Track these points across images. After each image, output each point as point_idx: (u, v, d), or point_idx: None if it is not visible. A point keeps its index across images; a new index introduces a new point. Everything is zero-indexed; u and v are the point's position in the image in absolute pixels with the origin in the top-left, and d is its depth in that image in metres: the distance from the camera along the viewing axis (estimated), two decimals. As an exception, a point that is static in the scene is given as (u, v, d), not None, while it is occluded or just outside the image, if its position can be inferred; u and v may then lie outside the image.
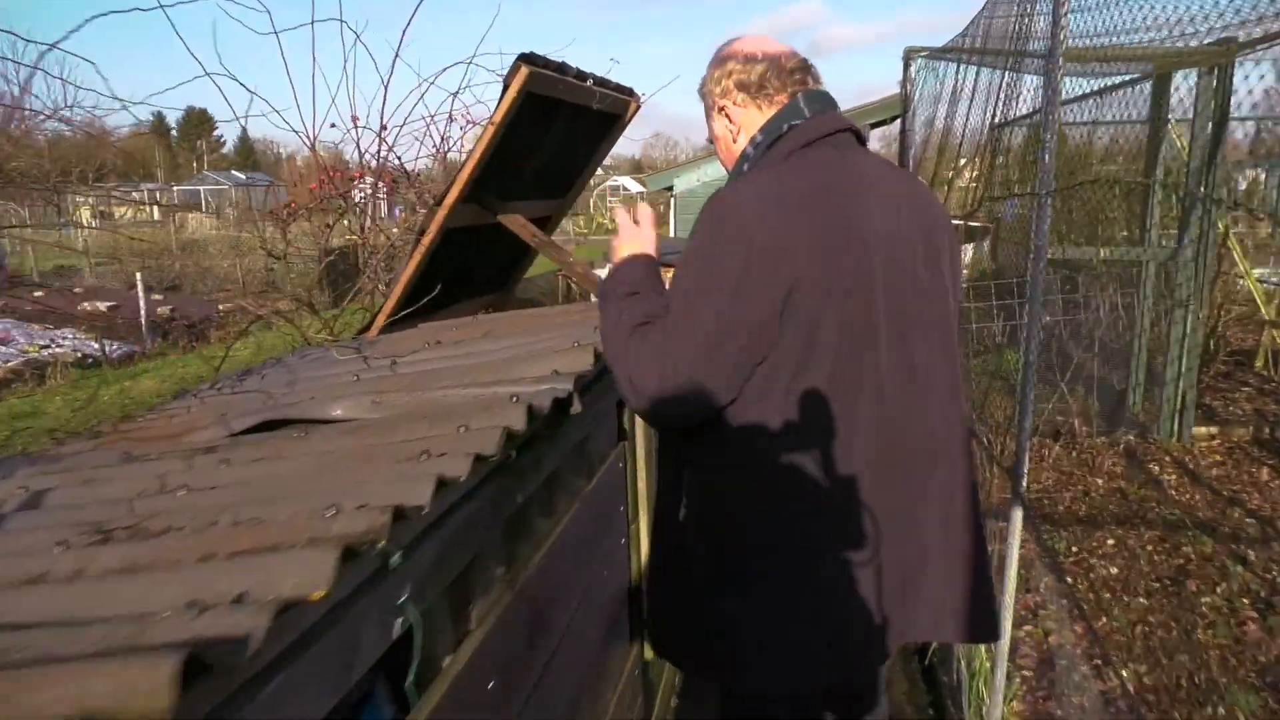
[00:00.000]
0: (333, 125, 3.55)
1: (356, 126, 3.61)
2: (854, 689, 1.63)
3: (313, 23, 3.15)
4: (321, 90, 3.34)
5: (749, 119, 1.51)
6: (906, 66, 4.93)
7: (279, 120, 3.38)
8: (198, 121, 66.64)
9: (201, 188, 36.51)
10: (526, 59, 2.73)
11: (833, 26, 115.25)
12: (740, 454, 1.39)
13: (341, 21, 3.16)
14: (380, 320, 3.08)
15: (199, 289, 12.91)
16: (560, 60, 3.02)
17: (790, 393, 1.35)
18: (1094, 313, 5.86)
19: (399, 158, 3.89)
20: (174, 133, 67.03)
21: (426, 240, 2.96)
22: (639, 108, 3.86)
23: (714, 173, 14.79)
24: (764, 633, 1.40)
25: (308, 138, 3.45)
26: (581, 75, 3.23)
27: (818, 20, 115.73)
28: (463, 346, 2.31)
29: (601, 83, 3.46)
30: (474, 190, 3.14)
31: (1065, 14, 1.96)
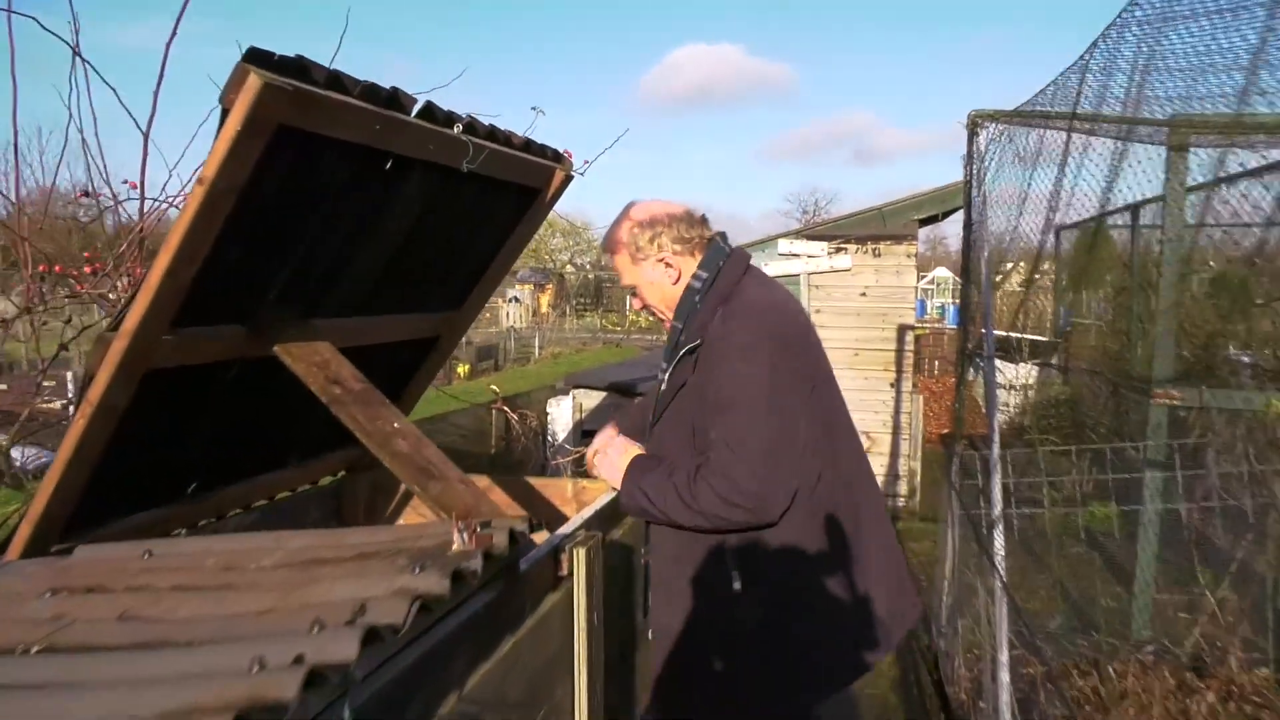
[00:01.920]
0: (85, 194, 2.25)
1: (118, 200, 2.33)
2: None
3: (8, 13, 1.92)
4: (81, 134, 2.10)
5: (685, 265, 1.88)
6: (972, 137, 3.57)
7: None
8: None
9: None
10: (259, 59, 1.40)
11: (883, 131, 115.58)
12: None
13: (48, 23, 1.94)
14: (25, 530, 1.69)
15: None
16: (381, 86, 1.69)
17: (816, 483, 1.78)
18: (1233, 481, 4.26)
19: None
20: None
21: (94, 396, 1.59)
22: (569, 177, 2.53)
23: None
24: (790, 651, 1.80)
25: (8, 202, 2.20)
26: (443, 117, 1.89)
27: (868, 127, 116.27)
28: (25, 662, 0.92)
29: (512, 141, 2.14)
30: (224, 304, 1.80)
31: None
